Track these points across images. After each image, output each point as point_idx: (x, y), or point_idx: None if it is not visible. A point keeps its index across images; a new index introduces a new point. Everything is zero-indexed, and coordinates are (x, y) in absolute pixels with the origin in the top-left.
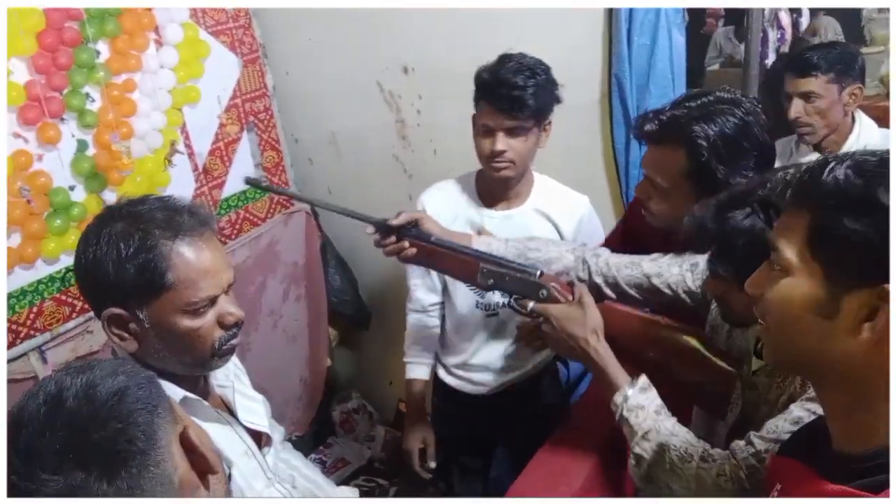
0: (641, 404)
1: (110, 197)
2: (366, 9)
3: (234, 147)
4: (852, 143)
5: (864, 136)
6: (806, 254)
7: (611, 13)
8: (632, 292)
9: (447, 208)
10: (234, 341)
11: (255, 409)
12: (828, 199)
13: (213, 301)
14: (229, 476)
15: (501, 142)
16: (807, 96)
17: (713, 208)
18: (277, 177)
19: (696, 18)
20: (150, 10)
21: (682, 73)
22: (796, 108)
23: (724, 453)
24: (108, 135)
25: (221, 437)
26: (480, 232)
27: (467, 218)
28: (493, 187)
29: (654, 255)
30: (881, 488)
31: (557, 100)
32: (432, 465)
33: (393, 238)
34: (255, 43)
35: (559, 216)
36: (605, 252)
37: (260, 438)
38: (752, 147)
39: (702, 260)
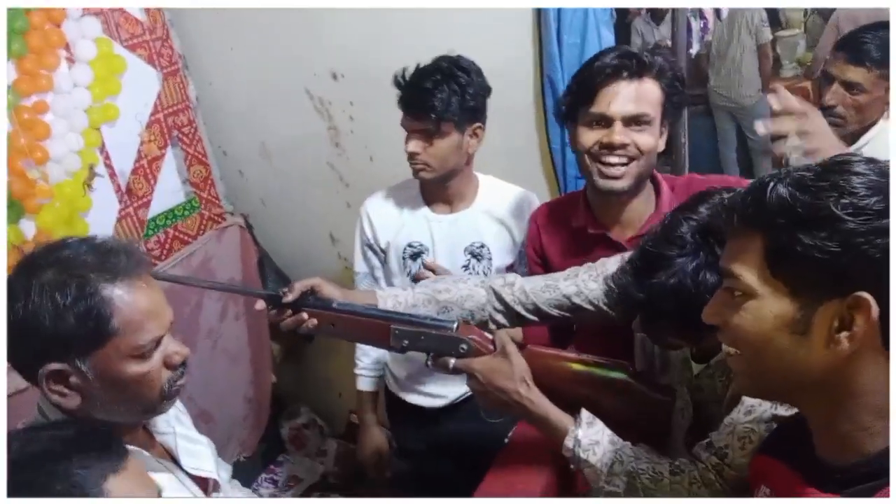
0: (595, 440)
1: (28, 226)
2: (290, 13)
3: (158, 164)
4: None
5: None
6: (767, 275)
7: (539, 14)
8: (554, 313)
9: (393, 215)
10: (181, 381)
11: (199, 453)
12: (778, 219)
13: (158, 342)
14: None
15: (413, 144)
16: (850, 86)
17: (632, 275)
18: (206, 191)
19: (621, 12)
20: (59, 26)
21: None
22: (835, 95)
23: (688, 461)
24: (21, 161)
25: (165, 488)
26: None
27: (415, 223)
28: (432, 190)
29: (568, 273)
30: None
31: (477, 106)
32: (388, 474)
33: (289, 312)
34: (175, 55)
35: (506, 214)
36: (518, 279)
37: (207, 484)
38: None
39: (614, 267)
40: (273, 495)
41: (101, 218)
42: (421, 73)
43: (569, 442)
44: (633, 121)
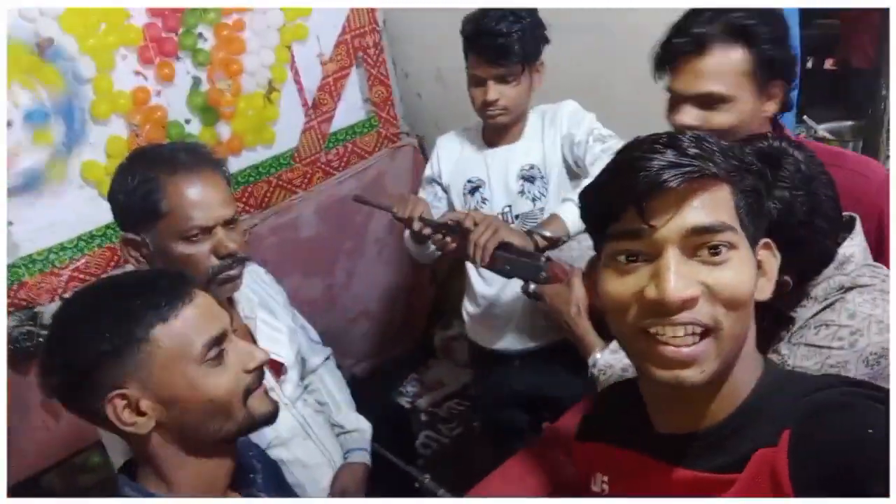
0: (610, 363)
1: (224, 130)
2: None
3: (342, 82)
4: None
5: None
6: (738, 223)
7: None
8: None
9: (454, 150)
10: (230, 272)
11: (277, 339)
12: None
13: (206, 231)
14: None
15: (493, 90)
16: None
17: None
18: (385, 111)
19: None
20: None
21: None
22: None
23: None
24: (215, 73)
25: None
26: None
27: (473, 160)
28: (496, 129)
29: None
30: (738, 468)
31: (545, 40)
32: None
33: (439, 235)
34: None
35: (549, 126)
36: None
37: (280, 368)
38: None
39: None
40: (417, 394)
41: (287, 128)
42: (493, 18)
43: (590, 360)
44: (699, 100)
